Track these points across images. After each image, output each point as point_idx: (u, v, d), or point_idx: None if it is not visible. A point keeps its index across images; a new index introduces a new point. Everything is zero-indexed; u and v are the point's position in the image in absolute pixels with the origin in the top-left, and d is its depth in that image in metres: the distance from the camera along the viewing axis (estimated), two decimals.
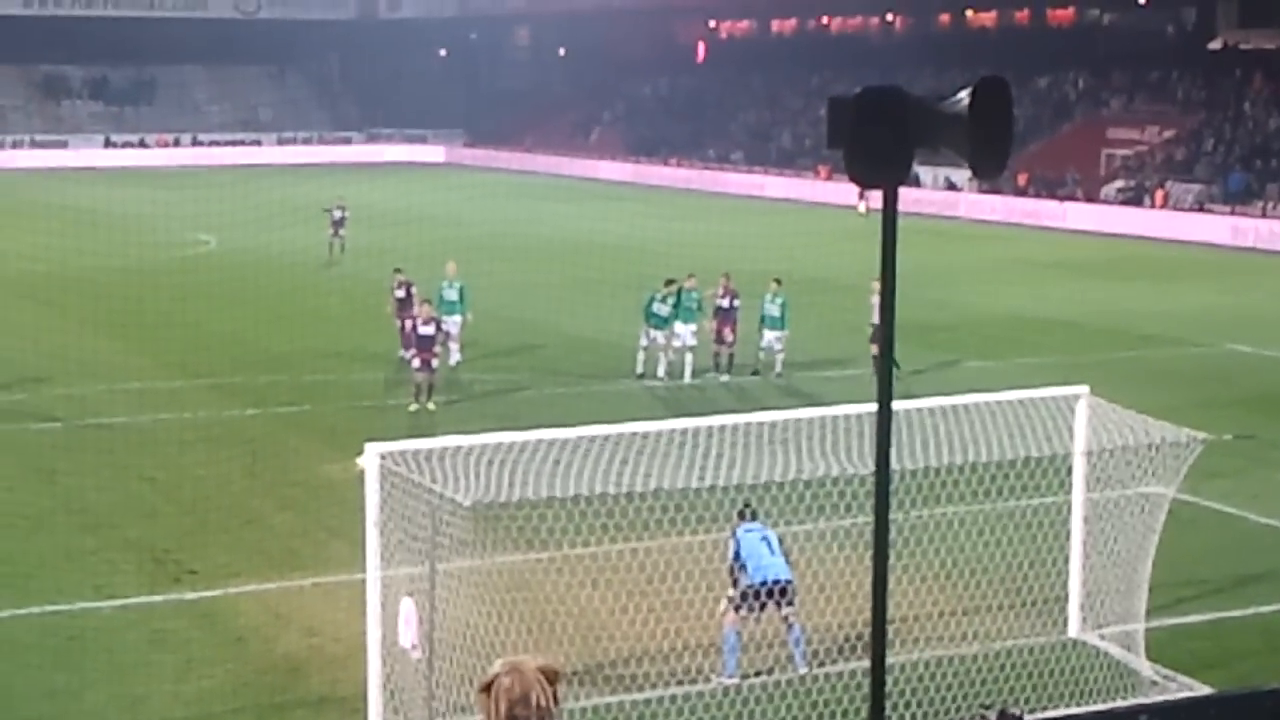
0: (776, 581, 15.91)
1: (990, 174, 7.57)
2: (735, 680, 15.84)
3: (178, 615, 18.00)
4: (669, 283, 32.11)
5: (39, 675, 16.24)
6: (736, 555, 16.15)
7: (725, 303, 32.07)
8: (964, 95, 7.06)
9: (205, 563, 19.66)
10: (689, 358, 31.59)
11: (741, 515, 16.36)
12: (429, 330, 28.80)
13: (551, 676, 6.53)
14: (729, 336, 32.00)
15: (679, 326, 31.63)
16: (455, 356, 32.06)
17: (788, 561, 16.23)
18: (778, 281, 32.53)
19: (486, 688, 6.56)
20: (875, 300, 30.75)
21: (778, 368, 32.02)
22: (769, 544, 16.09)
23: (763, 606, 15.94)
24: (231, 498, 22.49)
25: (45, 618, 17.92)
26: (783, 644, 16.24)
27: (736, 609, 15.99)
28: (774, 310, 32.04)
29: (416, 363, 28.77)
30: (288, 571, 19.39)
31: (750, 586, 15.93)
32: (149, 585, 18.93)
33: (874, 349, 29.86)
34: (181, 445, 25.07)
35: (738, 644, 15.98)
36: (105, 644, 17.07)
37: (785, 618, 16.11)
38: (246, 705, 15.55)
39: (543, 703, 6.47)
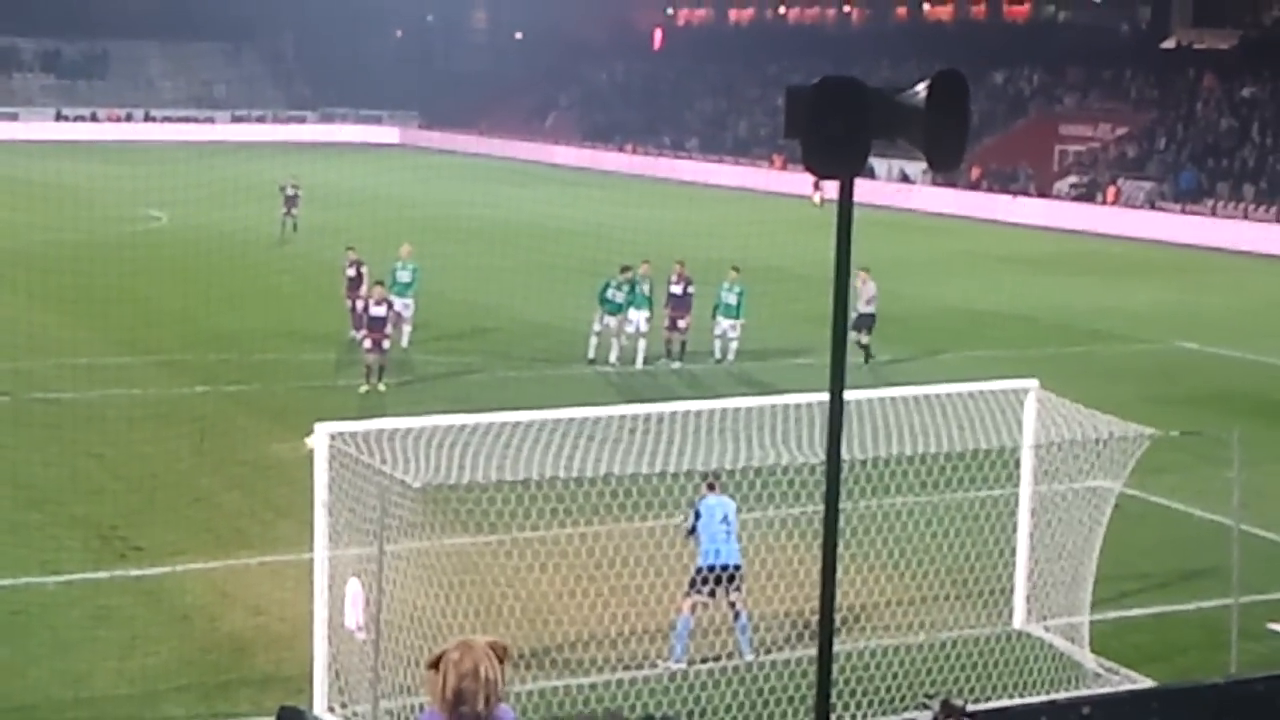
0: (725, 567, 15.93)
1: (946, 167, 7.60)
2: (682, 666, 15.86)
3: (123, 592, 17.89)
4: (624, 269, 32.11)
5: None
6: (694, 527, 16.15)
7: (679, 290, 32.09)
8: (921, 88, 7.09)
9: (151, 540, 19.56)
10: (641, 344, 31.60)
11: (707, 482, 16.31)
12: (380, 311, 28.70)
13: (500, 653, 6.57)
14: (682, 323, 32.01)
15: (632, 313, 31.62)
16: (405, 339, 31.96)
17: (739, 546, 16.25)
18: (735, 269, 32.54)
19: (435, 664, 6.59)
20: (859, 288, 31.26)
21: (731, 355, 32.06)
22: (728, 525, 16.08)
23: (713, 593, 15.96)
24: (179, 475, 22.36)
25: None
26: (730, 630, 16.28)
27: (687, 594, 16.00)
28: (730, 299, 32.05)
29: (367, 343, 28.66)
30: (234, 550, 19.30)
31: (699, 570, 15.95)
32: (94, 562, 18.81)
33: (855, 336, 30.59)
34: (129, 422, 24.90)
35: (687, 630, 16.00)
36: (49, 620, 16.96)
37: (732, 604, 16.13)
38: (191, 683, 15.47)
39: (491, 676, 6.50)
